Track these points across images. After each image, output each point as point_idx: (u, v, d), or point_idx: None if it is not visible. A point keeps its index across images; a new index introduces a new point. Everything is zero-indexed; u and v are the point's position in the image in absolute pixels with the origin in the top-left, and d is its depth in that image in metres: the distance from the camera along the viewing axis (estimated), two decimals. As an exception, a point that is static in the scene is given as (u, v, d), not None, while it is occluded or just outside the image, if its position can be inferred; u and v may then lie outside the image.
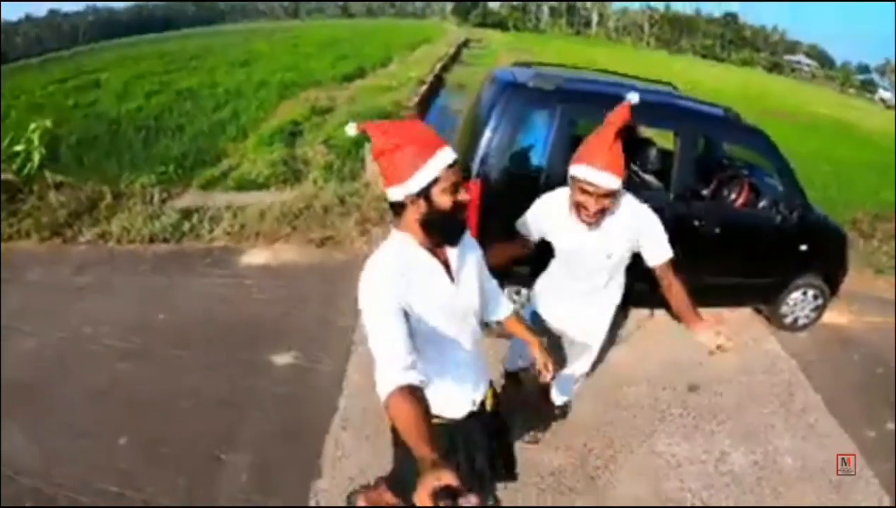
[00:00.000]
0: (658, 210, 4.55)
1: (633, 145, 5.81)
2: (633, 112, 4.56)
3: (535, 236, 3.12)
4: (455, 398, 2.35)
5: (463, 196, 2.02)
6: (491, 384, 2.57)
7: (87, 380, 4.32)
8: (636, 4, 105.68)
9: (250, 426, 3.94)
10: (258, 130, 11.70)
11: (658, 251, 2.97)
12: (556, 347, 3.54)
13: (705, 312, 4.99)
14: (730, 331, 3.17)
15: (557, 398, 3.81)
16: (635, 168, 5.66)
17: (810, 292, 5.39)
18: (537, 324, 3.45)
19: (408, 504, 2.57)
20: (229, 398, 4.18)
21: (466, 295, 2.23)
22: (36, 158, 7.36)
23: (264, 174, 8.47)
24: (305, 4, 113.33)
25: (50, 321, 5.02)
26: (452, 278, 2.15)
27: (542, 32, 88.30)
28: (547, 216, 3.03)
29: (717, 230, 4.75)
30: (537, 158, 4.49)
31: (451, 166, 1.98)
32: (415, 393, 1.75)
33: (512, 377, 3.94)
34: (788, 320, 5.49)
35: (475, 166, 4.35)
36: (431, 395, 1.95)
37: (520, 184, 4.28)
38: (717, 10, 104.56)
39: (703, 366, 4.85)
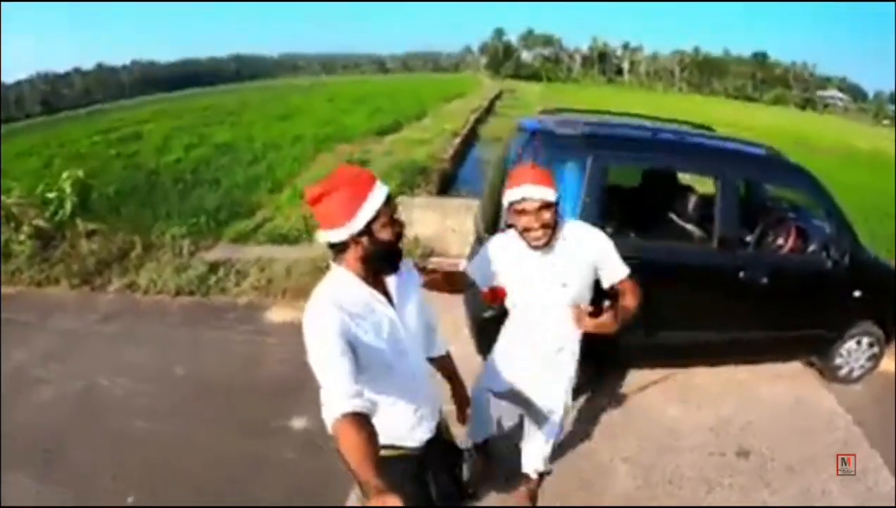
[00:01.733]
0: (702, 262, 4.45)
1: (671, 194, 5.58)
2: (672, 156, 4.31)
3: (485, 280, 3.01)
4: (412, 426, 2.38)
5: (397, 229, 2.12)
6: (440, 412, 2.59)
7: (102, 434, 4.26)
8: (666, 50, 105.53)
9: (264, 488, 3.79)
10: (293, 183, 11.74)
11: (617, 269, 2.96)
12: (516, 417, 3.50)
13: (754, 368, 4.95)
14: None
15: (528, 468, 3.51)
16: (675, 218, 5.43)
17: (865, 341, 5.01)
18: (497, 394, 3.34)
19: None
20: (244, 459, 4.02)
21: (409, 323, 2.29)
22: (68, 205, 7.52)
23: (297, 228, 8.40)
24: (342, 60, 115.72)
25: (71, 370, 5.01)
26: (394, 307, 2.22)
27: (575, 82, 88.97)
28: (503, 251, 2.96)
29: (765, 280, 4.43)
30: (569, 210, 4.12)
31: (387, 202, 2.07)
32: (360, 420, 1.76)
33: (481, 448, 3.71)
34: (843, 372, 5.10)
35: (503, 221, 4.02)
36: (390, 425, 2.19)
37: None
38: (746, 51, 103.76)
39: (754, 427, 4.52)
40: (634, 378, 4.96)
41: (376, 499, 1.44)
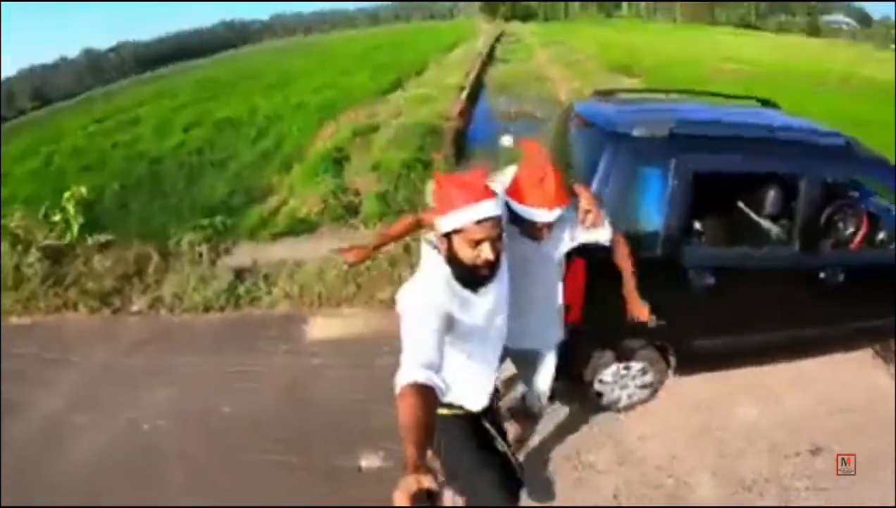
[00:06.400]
0: (782, 265, 4.11)
1: (741, 185, 5.08)
2: (757, 157, 3.96)
3: None
4: (479, 391, 2.52)
5: (486, 255, 2.07)
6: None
7: (152, 490, 3.85)
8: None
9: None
10: (303, 158, 11.29)
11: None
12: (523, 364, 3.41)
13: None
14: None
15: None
16: (747, 210, 4.96)
17: None
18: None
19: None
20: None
21: (501, 297, 2.39)
22: (75, 227, 7.21)
23: (315, 212, 7.99)
24: (333, 17, 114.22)
25: (105, 414, 4.56)
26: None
27: (574, 20, 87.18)
28: None
29: (842, 278, 4.04)
30: (651, 224, 3.72)
31: (480, 222, 2.04)
32: (426, 393, 1.77)
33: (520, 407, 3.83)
34: None
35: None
36: (464, 389, 2.40)
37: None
38: None
39: (822, 420, 4.28)
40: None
41: (412, 477, 1.45)
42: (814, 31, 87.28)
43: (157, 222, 8.07)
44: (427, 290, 2.10)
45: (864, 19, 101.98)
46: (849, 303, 4.27)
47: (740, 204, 4.86)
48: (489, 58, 28.44)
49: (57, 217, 7.30)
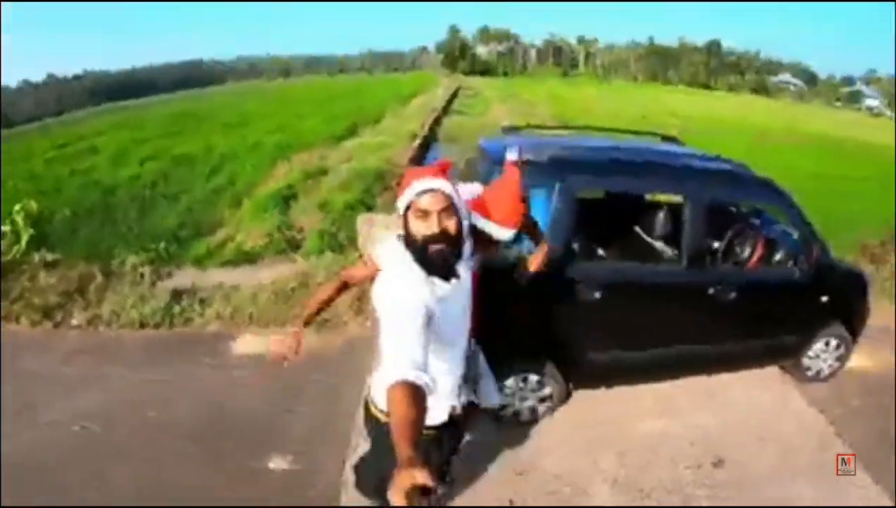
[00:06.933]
0: (671, 280, 4.44)
1: (636, 207, 5.58)
2: (640, 179, 4.39)
3: None
4: (439, 404, 2.44)
5: (432, 228, 2.09)
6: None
7: (74, 487, 4.01)
8: (622, 41, 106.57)
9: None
10: (253, 195, 11.67)
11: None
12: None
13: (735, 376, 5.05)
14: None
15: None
16: (642, 233, 5.43)
17: (833, 342, 5.13)
18: None
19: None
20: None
21: (466, 291, 2.37)
22: (24, 239, 7.38)
23: (259, 245, 8.36)
24: (299, 61, 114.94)
25: (36, 417, 4.72)
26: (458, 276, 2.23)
27: (531, 75, 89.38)
28: None
29: (734, 295, 4.43)
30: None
31: (424, 193, 2.09)
32: (417, 392, 1.78)
33: None
34: (811, 372, 5.23)
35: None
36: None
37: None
38: (700, 39, 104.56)
39: (728, 433, 4.59)
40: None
41: (407, 473, 1.45)
42: (762, 90, 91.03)
43: (104, 247, 8.30)
44: (402, 280, 2.10)
45: (811, 79, 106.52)
46: (745, 321, 4.67)
47: (636, 229, 5.34)
48: (445, 110, 29.10)
49: (6, 228, 7.46)
